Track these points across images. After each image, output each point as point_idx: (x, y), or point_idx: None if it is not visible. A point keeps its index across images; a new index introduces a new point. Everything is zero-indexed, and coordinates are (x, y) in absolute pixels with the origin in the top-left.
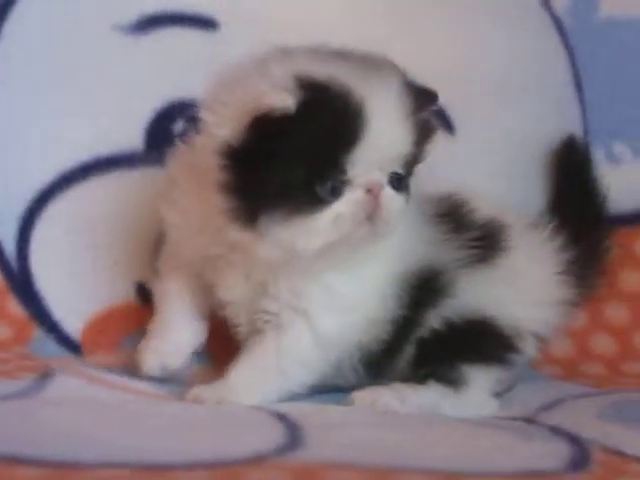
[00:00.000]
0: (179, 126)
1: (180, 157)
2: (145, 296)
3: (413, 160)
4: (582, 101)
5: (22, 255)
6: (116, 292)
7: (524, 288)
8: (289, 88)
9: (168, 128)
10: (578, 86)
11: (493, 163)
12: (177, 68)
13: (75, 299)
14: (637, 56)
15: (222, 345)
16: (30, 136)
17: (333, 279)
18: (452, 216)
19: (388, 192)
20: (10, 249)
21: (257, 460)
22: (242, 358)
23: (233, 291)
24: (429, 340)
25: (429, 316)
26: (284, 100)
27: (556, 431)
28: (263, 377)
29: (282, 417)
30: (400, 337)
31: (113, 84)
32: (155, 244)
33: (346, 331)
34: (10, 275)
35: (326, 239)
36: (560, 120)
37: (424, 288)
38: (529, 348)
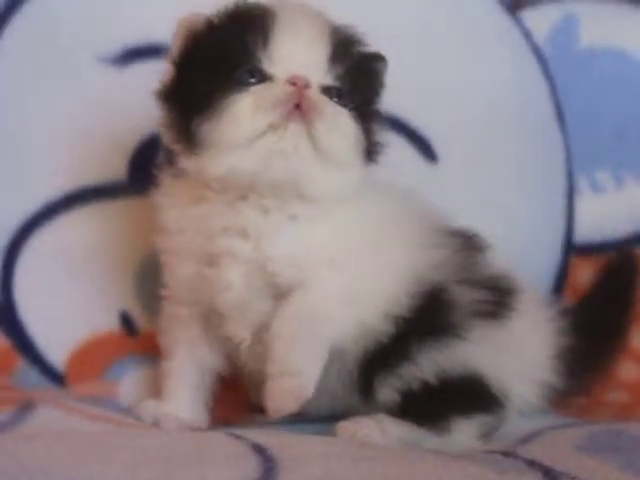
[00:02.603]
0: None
1: (164, 180)
2: (129, 325)
3: (348, 74)
4: (564, 130)
5: (6, 285)
6: (100, 321)
7: (517, 360)
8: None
9: (151, 159)
10: (559, 115)
11: (475, 191)
12: None
13: (59, 329)
14: (617, 85)
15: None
16: (14, 166)
17: (320, 236)
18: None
19: (318, 94)
20: None
21: None
22: (275, 328)
23: (236, 288)
24: (418, 393)
25: (423, 353)
26: (195, 15)
27: (532, 464)
28: (301, 338)
29: (260, 449)
30: (393, 349)
31: (97, 115)
32: (139, 274)
33: (357, 283)
34: None
35: (252, 123)
36: (542, 149)
37: (426, 305)
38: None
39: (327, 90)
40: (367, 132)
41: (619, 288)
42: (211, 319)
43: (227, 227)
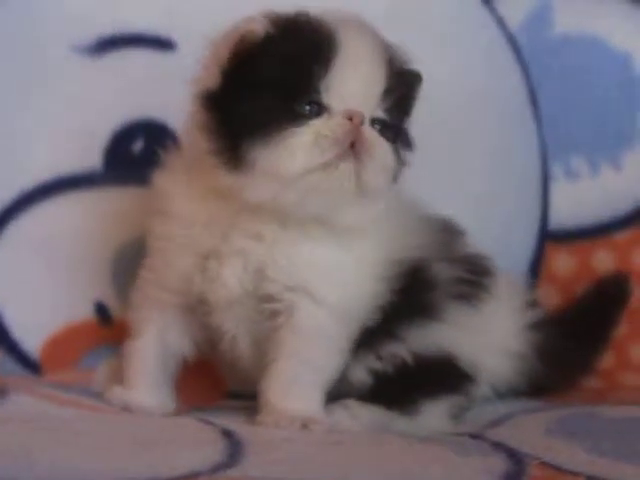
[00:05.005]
0: (138, 146)
1: (170, 162)
2: (104, 314)
3: (395, 106)
4: (538, 117)
5: None
6: (75, 311)
7: (490, 339)
8: (259, 19)
9: (127, 148)
10: (533, 102)
11: (449, 179)
12: (135, 88)
13: (34, 318)
14: (591, 72)
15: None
16: None
17: (327, 257)
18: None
19: (371, 130)
20: None
21: (190, 478)
22: (271, 375)
23: (230, 286)
24: (390, 374)
25: (404, 332)
26: (253, 25)
27: (498, 447)
28: (301, 379)
29: (229, 434)
30: (374, 330)
31: (72, 105)
32: (114, 264)
33: (351, 302)
34: None
35: (309, 160)
36: (516, 136)
37: (408, 285)
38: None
39: (375, 121)
40: (399, 156)
41: (607, 302)
42: (197, 308)
43: (245, 229)
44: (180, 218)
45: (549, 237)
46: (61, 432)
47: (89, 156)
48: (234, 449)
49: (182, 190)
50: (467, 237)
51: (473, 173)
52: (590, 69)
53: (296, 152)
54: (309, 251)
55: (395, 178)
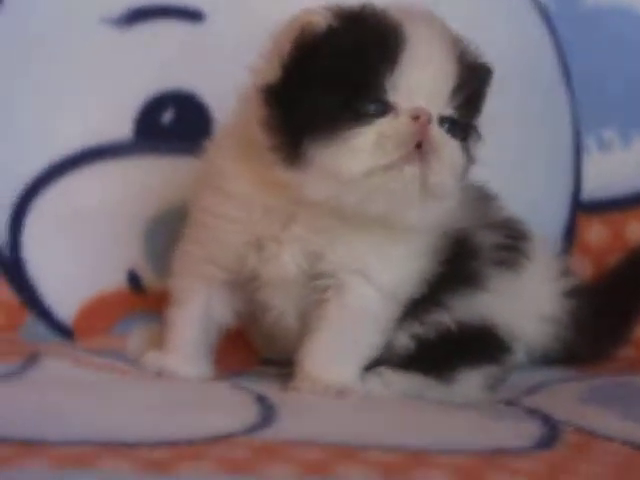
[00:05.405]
0: (167, 116)
1: (224, 140)
2: (136, 283)
3: (466, 103)
4: (570, 89)
5: (15, 243)
6: (107, 279)
7: (528, 305)
8: (321, 11)
9: (156, 118)
10: (566, 74)
11: (481, 151)
12: (165, 59)
13: (67, 286)
14: (624, 43)
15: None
16: (21, 128)
17: (383, 239)
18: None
19: (439, 130)
20: (3, 237)
21: (222, 438)
22: (311, 344)
23: (289, 268)
24: (433, 340)
25: (450, 300)
26: (315, 17)
27: (532, 413)
28: (340, 352)
29: (261, 398)
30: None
31: (102, 76)
32: (147, 233)
33: (402, 282)
34: (2, 262)
35: (371, 161)
36: (548, 108)
37: (454, 254)
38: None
39: (443, 120)
40: (469, 154)
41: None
42: (245, 284)
43: (305, 220)
44: (238, 200)
45: (581, 208)
46: (93, 394)
47: (119, 127)
48: (267, 413)
49: (241, 172)
50: (500, 201)
51: (505, 145)
52: (623, 39)
53: (358, 153)
54: (367, 237)
55: (463, 177)
